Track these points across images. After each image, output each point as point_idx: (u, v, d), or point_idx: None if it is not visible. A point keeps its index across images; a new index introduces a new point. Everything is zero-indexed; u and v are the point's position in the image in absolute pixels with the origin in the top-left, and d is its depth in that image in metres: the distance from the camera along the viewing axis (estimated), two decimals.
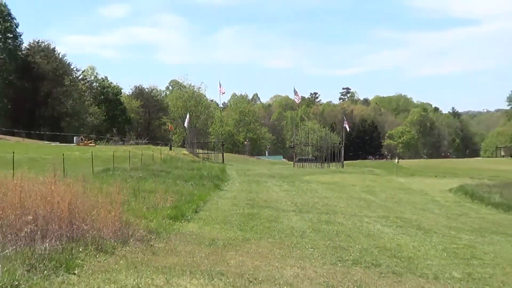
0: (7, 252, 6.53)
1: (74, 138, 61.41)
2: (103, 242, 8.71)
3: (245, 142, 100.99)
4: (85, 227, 8.50)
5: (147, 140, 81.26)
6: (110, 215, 9.23)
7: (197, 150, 57.94)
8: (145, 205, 14.06)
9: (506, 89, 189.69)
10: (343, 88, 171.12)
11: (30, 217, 7.54)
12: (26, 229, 7.30)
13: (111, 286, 6.92)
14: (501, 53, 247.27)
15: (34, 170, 11.67)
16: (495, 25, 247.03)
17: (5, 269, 6.12)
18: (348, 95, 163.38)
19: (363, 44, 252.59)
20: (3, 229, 7.56)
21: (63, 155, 22.41)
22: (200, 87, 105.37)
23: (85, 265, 7.62)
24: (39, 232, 7.64)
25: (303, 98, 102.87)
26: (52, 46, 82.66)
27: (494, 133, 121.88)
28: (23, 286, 6.15)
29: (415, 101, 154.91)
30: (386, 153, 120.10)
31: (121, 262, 8.15)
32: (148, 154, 38.63)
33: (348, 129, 65.07)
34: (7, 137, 55.68)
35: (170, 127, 79.70)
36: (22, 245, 7.10)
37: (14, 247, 6.79)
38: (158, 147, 55.10)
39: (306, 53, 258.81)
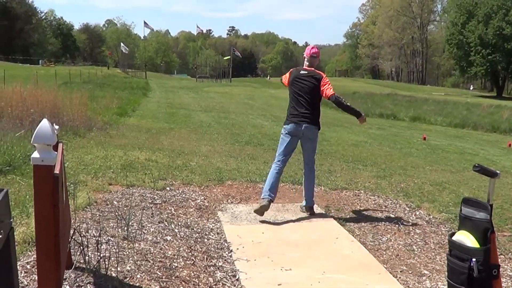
0: (21, 133, 7.01)
1: (40, 61, 65.48)
2: (77, 129, 9.25)
3: (161, 64, 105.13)
4: (65, 119, 8.95)
5: (91, 62, 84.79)
6: (78, 111, 9.68)
7: (127, 69, 61.67)
8: (99, 106, 14.74)
9: (343, 29, 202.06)
10: (230, 27, 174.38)
11: (32, 110, 7.93)
12: (29, 119, 7.73)
13: (89, 156, 7.17)
14: (338, 3, 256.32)
15: (15, 83, 11.37)
16: None
17: (21, 144, 6.64)
18: (233, 31, 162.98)
19: None
20: (14, 120, 7.93)
21: (36, 72, 24.39)
22: (130, 25, 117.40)
23: (68, 143, 7.92)
24: (37, 121, 8.03)
25: (201, 32, 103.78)
26: None
27: (334, 60, 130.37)
28: None
29: (280, 36, 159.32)
30: (260, 73, 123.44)
31: (91, 142, 8.56)
32: (92, 72, 41.20)
33: (240, 55, 76.61)
34: None
35: (109, 53, 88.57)
36: (26, 130, 7.48)
37: (23, 130, 7.22)
38: (99, 67, 58.72)
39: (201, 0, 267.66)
